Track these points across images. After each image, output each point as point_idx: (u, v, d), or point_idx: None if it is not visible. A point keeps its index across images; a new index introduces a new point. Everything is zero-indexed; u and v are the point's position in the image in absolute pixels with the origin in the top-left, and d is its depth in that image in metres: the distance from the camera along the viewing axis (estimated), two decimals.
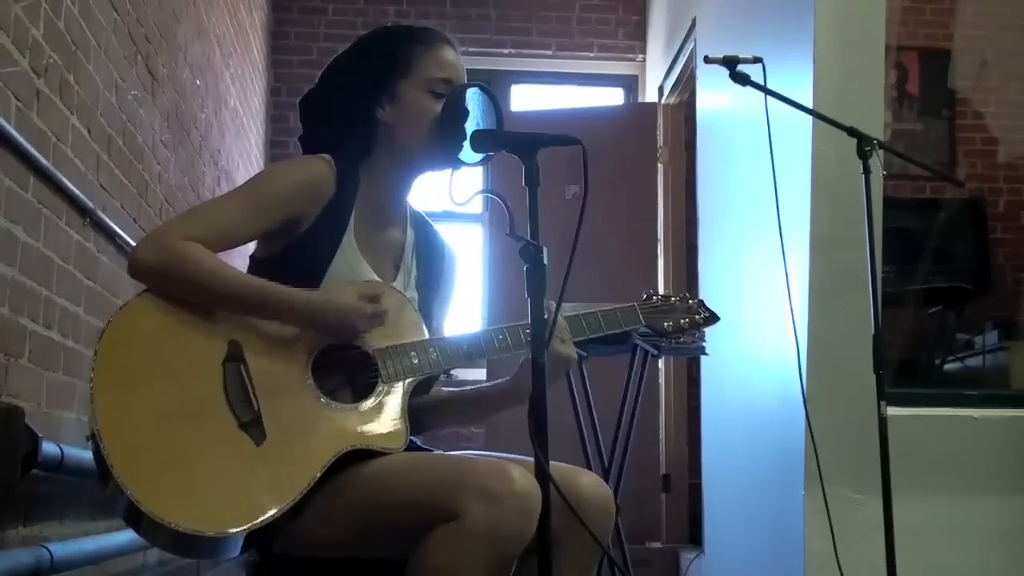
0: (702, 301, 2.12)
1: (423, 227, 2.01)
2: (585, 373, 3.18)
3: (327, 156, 1.86)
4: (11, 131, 2.21)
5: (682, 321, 2.06)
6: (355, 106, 1.89)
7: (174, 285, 1.69)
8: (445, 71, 1.88)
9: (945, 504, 2.90)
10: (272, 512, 1.58)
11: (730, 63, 2.48)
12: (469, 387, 2.01)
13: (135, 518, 1.56)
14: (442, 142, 1.84)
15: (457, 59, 1.91)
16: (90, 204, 2.70)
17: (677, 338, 2.08)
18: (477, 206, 5.74)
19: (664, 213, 5.49)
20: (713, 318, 2.10)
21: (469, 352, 1.84)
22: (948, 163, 5.30)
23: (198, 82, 4.02)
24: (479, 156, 1.82)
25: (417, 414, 1.82)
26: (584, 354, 3.13)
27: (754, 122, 2.79)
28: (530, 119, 5.53)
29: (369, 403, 1.75)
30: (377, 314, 1.76)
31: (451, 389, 2.01)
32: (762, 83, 2.47)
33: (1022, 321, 4.44)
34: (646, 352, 3.13)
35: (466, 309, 5.58)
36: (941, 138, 5.35)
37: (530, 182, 1.64)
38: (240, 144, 4.97)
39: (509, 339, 1.85)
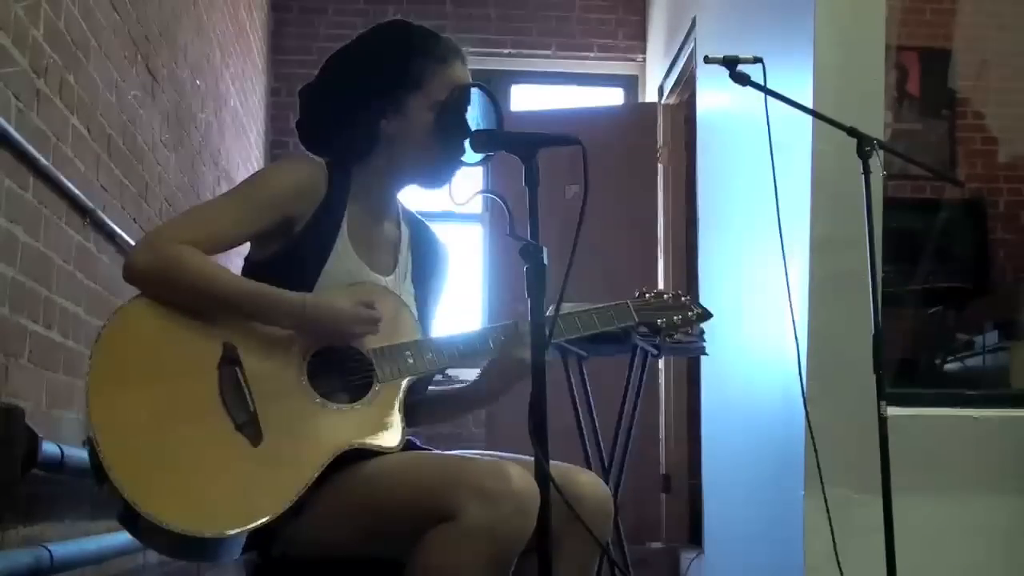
0: (695, 298, 2.14)
1: (416, 224, 2.02)
2: (585, 373, 3.18)
3: (319, 157, 1.86)
4: (11, 131, 2.21)
5: (675, 318, 2.07)
6: (359, 113, 1.88)
7: (171, 290, 1.69)
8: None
9: (945, 504, 2.90)
10: (270, 513, 1.58)
11: (730, 63, 2.47)
12: (449, 387, 2.02)
13: (132, 520, 1.56)
14: (441, 159, 1.84)
15: (467, 75, 1.91)
16: (90, 204, 2.70)
17: (671, 334, 2.10)
18: (477, 206, 5.74)
19: (664, 213, 5.49)
20: (706, 315, 2.12)
21: (464, 352, 1.84)
22: (948, 163, 5.29)
23: (198, 82, 4.02)
24: (479, 156, 1.82)
25: (410, 413, 1.82)
26: (584, 354, 3.13)
27: (754, 122, 2.79)
28: (530, 119, 5.53)
29: (365, 403, 1.75)
30: (372, 319, 1.76)
31: (437, 388, 2.00)
32: (762, 83, 2.47)
33: (1022, 321, 4.43)
34: (646, 352, 3.13)
35: (466, 309, 5.58)
36: (941, 138, 5.34)
37: (530, 182, 1.64)
38: (240, 144, 4.97)
39: (504, 338, 1.86)
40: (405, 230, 1.98)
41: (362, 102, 1.88)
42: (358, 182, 1.89)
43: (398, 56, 1.88)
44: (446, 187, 1.88)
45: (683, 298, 2.12)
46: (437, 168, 1.86)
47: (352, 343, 1.77)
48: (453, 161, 1.83)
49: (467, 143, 1.80)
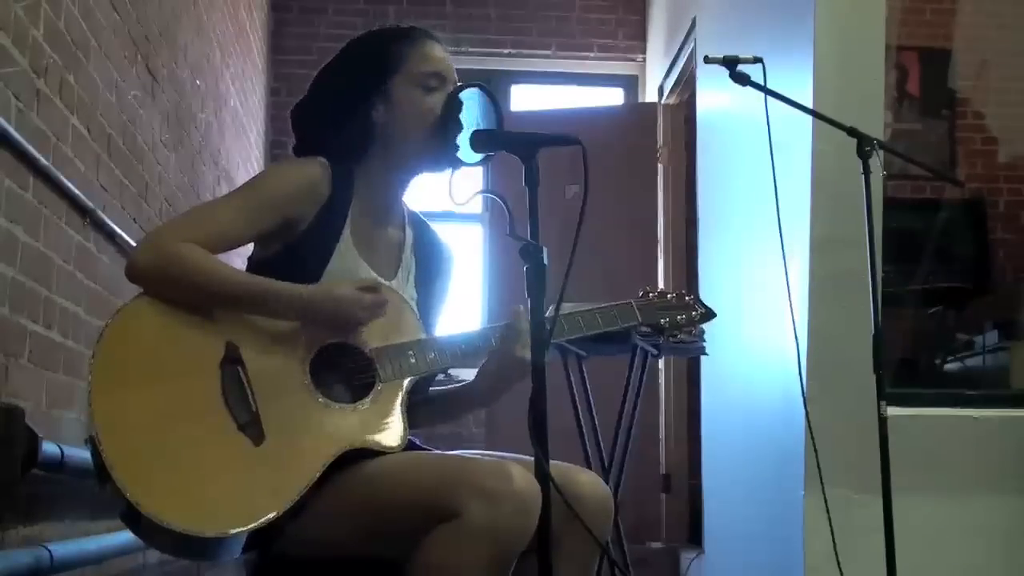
0: (698, 298, 2.13)
1: (421, 226, 2.02)
2: (585, 373, 3.18)
3: (322, 158, 1.86)
4: (11, 131, 2.21)
5: (679, 317, 2.07)
6: (349, 111, 1.89)
7: (173, 287, 1.69)
8: (433, 65, 1.89)
9: (945, 504, 2.90)
10: (272, 513, 1.58)
11: (730, 63, 2.47)
12: (448, 386, 2.02)
13: (134, 520, 1.57)
14: (437, 137, 1.84)
15: (444, 53, 1.92)
16: (90, 204, 2.70)
17: (674, 334, 2.09)
18: (477, 206, 5.74)
19: (664, 213, 5.49)
20: (709, 314, 2.11)
21: (466, 352, 1.84)
22: (948, 163, 5.29)
23: (198, 82, 4.02)
24: (479, 156, 1.82)
25: (412, 413, 1.82)
26: (584, 354, 3.13)
27: (754, 122, 2.79)
28: (530, 119, 5.53)
29: (367, 403, 1.75)
30: (376, 304, 1.75)
31: (435, 388, 2.00)
32: (762, 83, 2.47)
33: (1022, 321, 4.43)
34: (646, 352, 3.13)
35: (466, 309, 5.59)
36: (941, 138, 5.34)
37: (530, 182, 1.64)
38: (240, 144, 4.97)
39: (506, 337, 1.85)
40: (409, 233, 1.98)
41: (350, 101, 1.89)
42: (361, 183, 1.89)
43: (373, 51, 1.92)
44: (449, 171, 1.87)
45: (687, 297, 2.11)
46: (435, 148, 1.85)
47: (356, 332, 1.77)
48: (449, 140, 1.82)
49: (466, 143, 1.80)
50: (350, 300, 1.74)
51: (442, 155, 1.85)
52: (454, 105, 1.82)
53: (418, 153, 1.89)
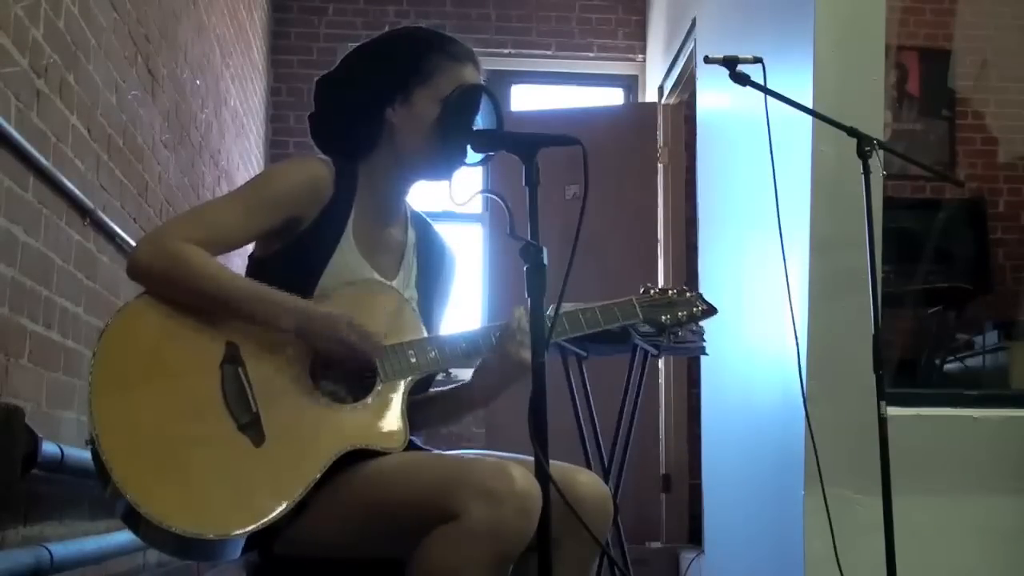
0: (700, 294, 2.12)
1: (424, 227, 2.02)
2: (585, 373, 3.18)
3: (325, 156, 1.86)
4: (11, 131, 2.21)
5: (680, 314, 2.06)
6: (367, 101, 1.88)
7: (171, 288, 1.69)
8: None
9: (945, 504, 2.90)
10: (272, 513, 1.58)
11: (730, 63, 2.48)
12: (447, 387, 2.01)
13: (134, 521, 1.56)
14: (442, 154, 1.83)
15: (478, 79, 1.91)
16: (90, 204, 2.70)
17: (676, 332, 2.08)
18: (477, 206, 5.74)
19: (664, 213, 5.49)
20: (711, 310, 2.10)
21: (467, 351, 1.84)
22: (948, 163, 5.30)
23: (198, 82, 4.02)
24: (479, 156, 1.82)
25: (412, 413, 1.82)
26: (584, 354, 3.13)
27: (754, 122, 2.79)
28: (530, 119, 5.53)
29: (368, 403, 1.75)
30: (373, 346, 1.75)
31: (436, 389, 2.00)
32: (762, 83, 2.47)
33: (1022, 321, 4.43)
34: (646, 352, 3.13)
35: (466, 309, 5.59)
36: (941, 138, 5.34)
37: (530, 182, 1.64)
38: (240, 144, 4.97)
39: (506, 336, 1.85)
40: (411, 233, 1.98)
41: (371, 91, 1.89)
42: (364, 182, 1.89)
43: (411, 50, 1.90)
44: (457, 168, 1.88)
45: (688, 293, 2.10)
46: (438, 162, 1.85)
47: (344, 353, 1.75)
48: (454, 156, 1.82)
49: (468, 141, 1.80)
50: (345, 326, 1.72)
51: (445, 168, 1.85)
52: (463, 125, 1.81)
53: (423, 161, 1.88)
